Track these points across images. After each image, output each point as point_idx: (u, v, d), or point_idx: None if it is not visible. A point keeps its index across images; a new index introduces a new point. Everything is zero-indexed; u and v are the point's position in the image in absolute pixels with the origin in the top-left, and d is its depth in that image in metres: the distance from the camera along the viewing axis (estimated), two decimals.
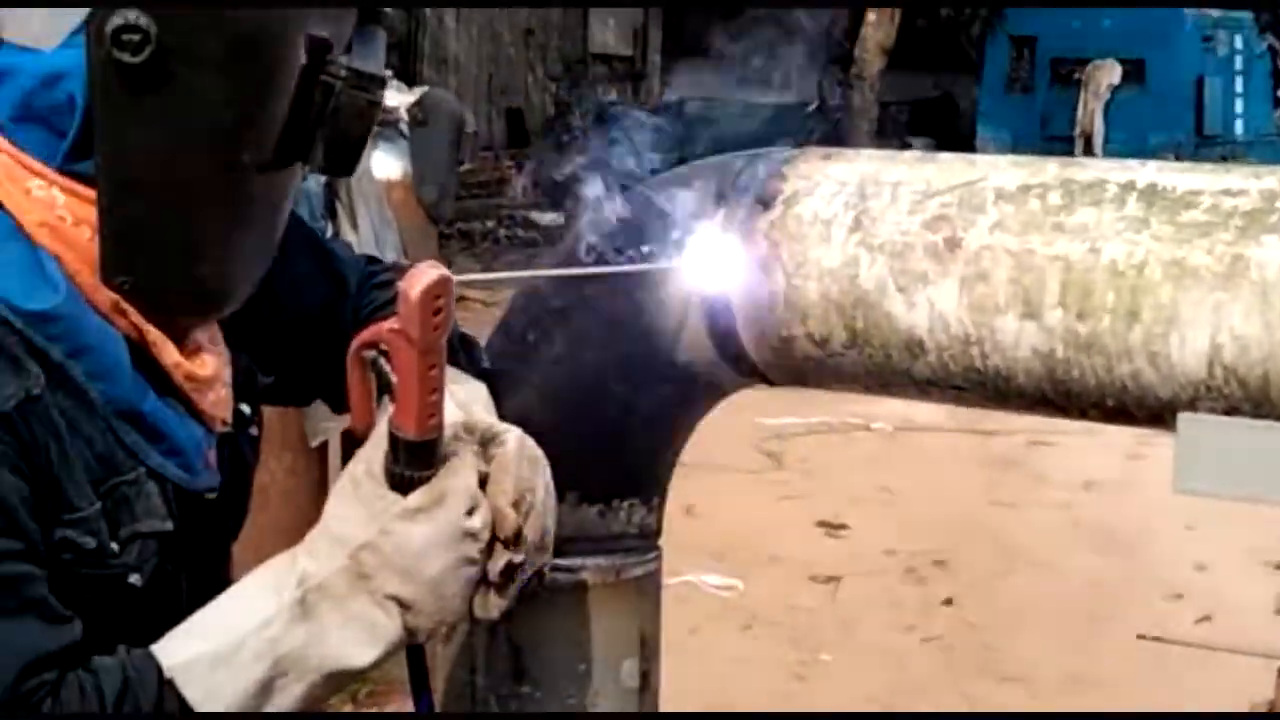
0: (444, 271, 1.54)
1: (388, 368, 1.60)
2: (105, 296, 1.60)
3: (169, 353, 1.65)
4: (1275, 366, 1.54)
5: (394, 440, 1.59)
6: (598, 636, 2.05)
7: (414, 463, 1.59)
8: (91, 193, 1.58)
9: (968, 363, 1.72)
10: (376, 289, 1.92)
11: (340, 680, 1.61)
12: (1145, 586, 7.10)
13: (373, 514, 1.59)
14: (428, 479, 1.59)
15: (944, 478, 8.79)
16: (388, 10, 4.82)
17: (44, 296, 1.57)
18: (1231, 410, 1.58)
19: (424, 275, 1.53)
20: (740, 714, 5.63)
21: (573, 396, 1.95)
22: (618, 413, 1.97)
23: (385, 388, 1.62)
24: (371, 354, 1.62)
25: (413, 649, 1.71)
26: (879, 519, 8.07)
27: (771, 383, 1.92)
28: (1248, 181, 1.62)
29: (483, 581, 1.63)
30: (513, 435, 1.68)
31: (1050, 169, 1.73)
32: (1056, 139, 18.55)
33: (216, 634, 1.58)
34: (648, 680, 2.10)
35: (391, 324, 1.56)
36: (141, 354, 1.63)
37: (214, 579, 1.73)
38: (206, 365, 1.70)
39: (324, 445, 4.81)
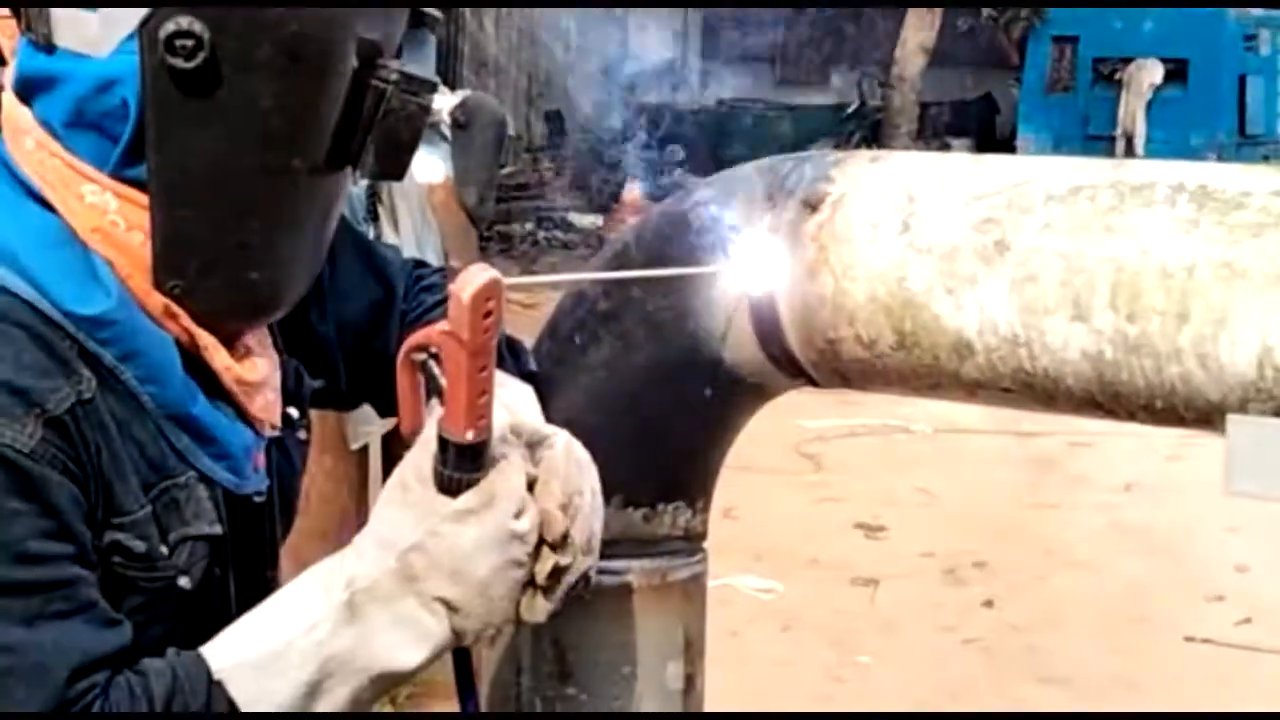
0: (495, 274, 1.54)
1: (437, 370, 1.60)
2: (157, 301, 1.61)
3: (219, 357, 1.66)
4: None
5: (443, 442, 1.59)
6: (642, 639, 2.06)
7: (463, 465, 1.59)
8: (144, 198, 1.59)
9: (1016, 364, 1.71)
10: (424, 292, 1.92)
11: (387, 682, 1.62)
12: (1186, 588, 7.07)
13: (421, 516, 1.59)
14: (476, 481, 1.59)
15: (983, 479, 8.77)
16: (437, 14, 4.82)
17: (97, 301, 1.58)
18: None
19: (475, 278, 1.54)
20: (768, 714, 5.62)
21: (619, 399, 1.96)
22: (664, 415, 1.97)
23: (435, 390, 1.62)
24: (422, 356, 1.63)
25: (459, 651, 1.72)
26: (918, 521, 8.05)
27: (818, 385, 1.92)
28: None
29: (529, 584, 1.63)
30: (560, 438, 1.68)
31: (1100, 170, 1.72)
32: (1097, 138, 18.45)
33: (265, 636, 1.58)
34: (692, 683, 2.10)
35: (442, 326, 1.57)
36: (192, 358, 1.64)
37: (262, 583, 1.73)
38: (256, 369, 1.70)
39: (364, 448, 4.82)
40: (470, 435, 1.57)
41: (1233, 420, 1.59)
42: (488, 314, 1.54)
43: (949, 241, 1.73)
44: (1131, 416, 1.71)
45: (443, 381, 1.59)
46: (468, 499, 1.59)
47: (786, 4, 22.34)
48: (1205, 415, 1.64)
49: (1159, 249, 1.62)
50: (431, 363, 1.62)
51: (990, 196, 1.73)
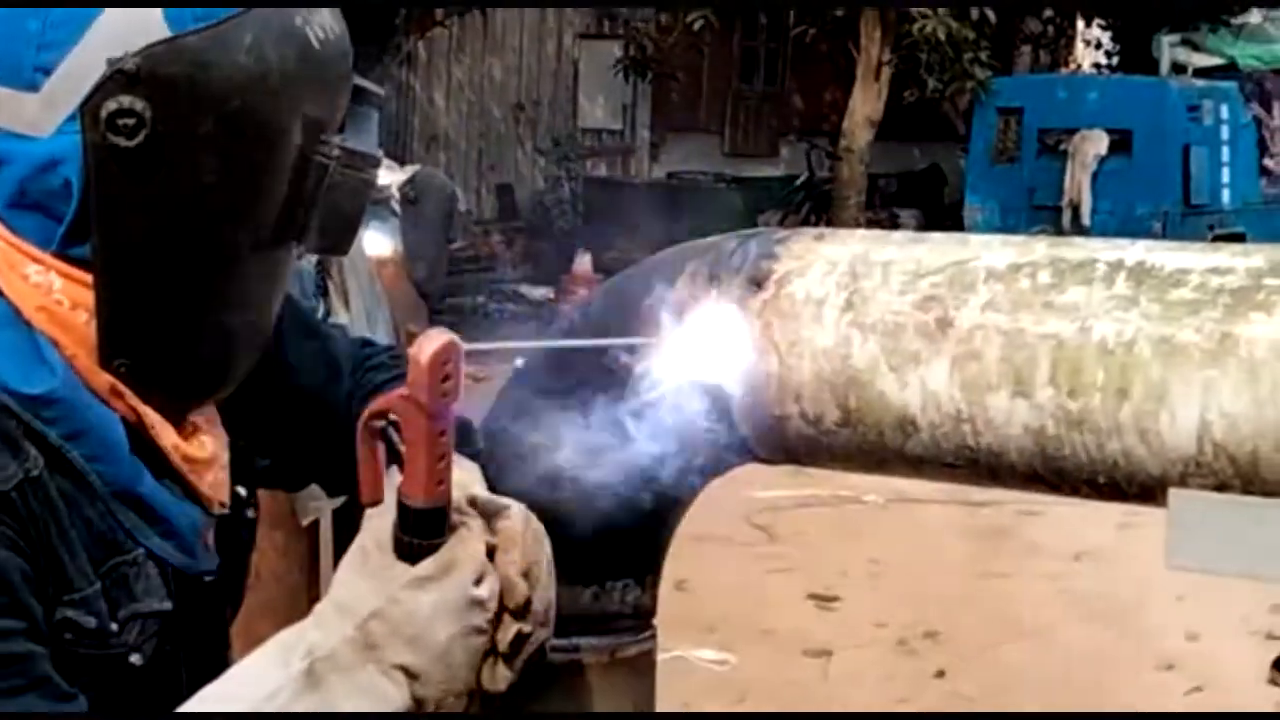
0: (453, 337, 1.55)
1: (396, 438, 1.60)
2: (102, 379, 1.61)
3: (167, 435, 1.66)
4: (1265, 443, 1.55)
5: (402, 509, 1.58)
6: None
7: (422, 531, 1.59)
8: (88, 276, 1.59)
9: (960, 440, 1.73)
10: (371, 371, 1.93)
11: None
12: (1137, 657, 7.10)
13: (380, 584, 1.59)
14: (436, 548, 1.59)
15: (935, 549, 8.80)
16: (379, 90, 4.84)
17: (41, 380, 1.58)
18: (1222, 486, 1.59)
19: (433, 341, 1.54)
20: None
21: (565, 478, 1.96)
22: (611, 494, 1.97)
23: (394, 458, 1.62)
24: (381, 423, 1.62)
25: None
26: (870, 591, 8.07)
27: (766, 461, 1.93)
28: (1235, 260, 1.63)
29: (490, 653, 1.63)
30: (517, 509, 1.68)
31: (1040, 248, 1.74)
32: (1044, 208, 18.60)
33: (224, 706, 1.58)
34: None
35: (400, 391, 1.57)
36: (139, 436, 1.64)
37: (212, 660, 1.73)
38: (204, 447, 1.70)
39: (315, 524, 4.80)
40: (429, 500, 1.57)
41: (1174, 495, 1.61)
42: (446, 377, 1.54)
43: (892, 319, 1.75)
44: (1075, 491, 1.72)
45: (402, 448, 1.59)
46: (427, 565, 1.58)
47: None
48: (1147, 490, 1.65)
49: (1099, 326, 1.63)
50: (391, 430, 1.61)
51: (932, 274, 1.75)
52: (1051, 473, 1.70)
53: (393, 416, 1.60)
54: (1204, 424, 1.58)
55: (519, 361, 2.11)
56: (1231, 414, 1.57)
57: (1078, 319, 1.65)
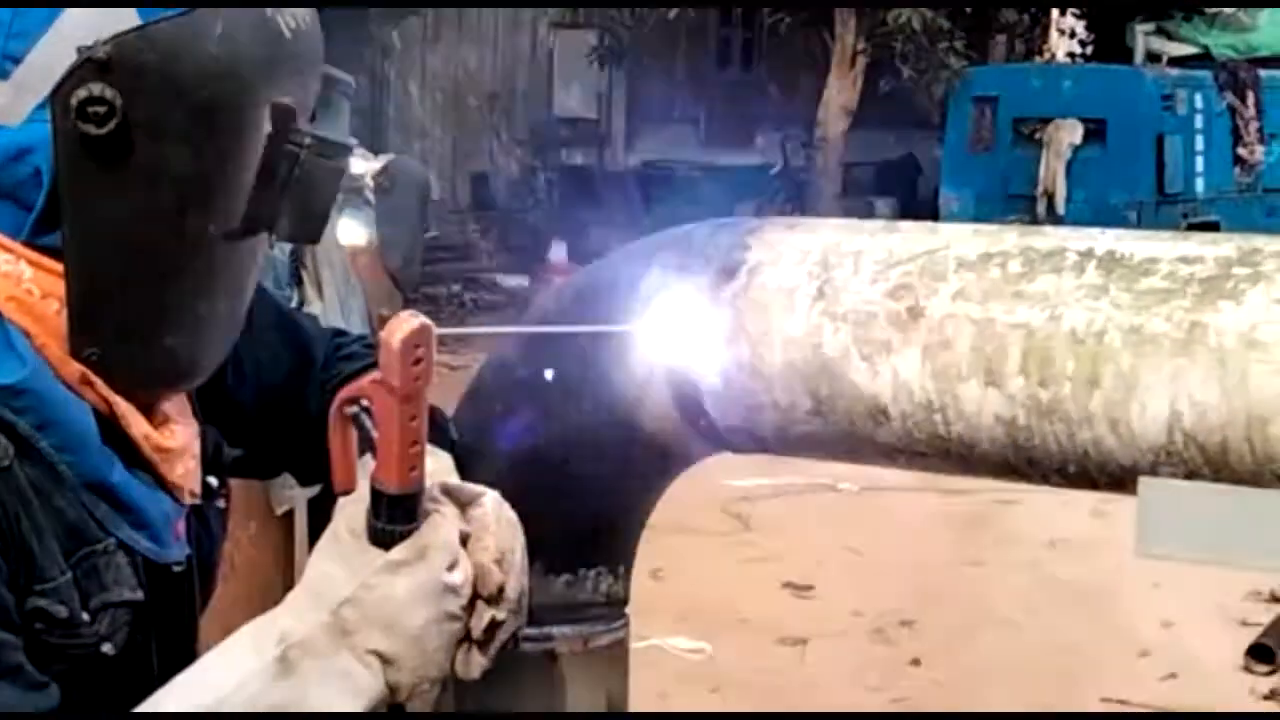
0: (424, 320, 1.55)
1: (369, 423, 1.60)
2: (73, 369, 1.61)
3: (137, 424, 1.65)
4: (1233, 432, 1.56)
5: (375, 494, 1.58)
6: (566, 705, 2.06)
7: (395, 517, 1.58)
8: (58, 266, 1.58)
9: (931, 430, 1.73)
10: (343, 361, 1.93)
11: None
12: (1112, 644, 7.11)
13: (354, 569, 1.59)
14: (409, 534, 1.59)
15: (911, 537, 8.81)
16: (350, 80, 4.83)
17: (11, 370, 1.57)
18: (1191, 475, 1.60)
19: (404, 323, 1.54)
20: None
21: (539, 467, 1.96)
22: (584, 482, 1.98)
23: (367, 445, 1.62)
24: (354, 409, 1.62)
25: (393, 710, 1.71)
26: (846, 580, 8.08)
27: (738, 450, 1.93)
28: (1204, 249, 1.64)
29: (465, 640, 1.63)
30: (490, 497, 1.68)
31: (1010, 237, 1.75)
32: (1019, 197, 18.62)
33: (196, 694, 1.57)
34: None
35: (373, 375, 1.57)
36: (110, 426, 1.64)
37: (183, 651, 1.73)
38: (175, 436, 1.70)
39: (290, 514, 4.79)
40: (402, 486, 1.57)
41: (1144, 483, 1.61)
42: (418, 360, 1.54)
43: (863, 308, 1.75)
44: (1046, 480, 1.73)
45: (374, 434, 1.58)
46: (400, 551, 1.58)
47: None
48: (1118, 479, 1.66)
49: (1069, 315, 1.64)
50: (363, 415, 1.61)
51: (903, 264, 1.76)
52: (1023, 462, 1.71)
53: (365, 402, 1.59)
54: (1174, 413, 1.59)
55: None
56: (1201, 403, 1.57)
57: (1048, 308, 1.65)
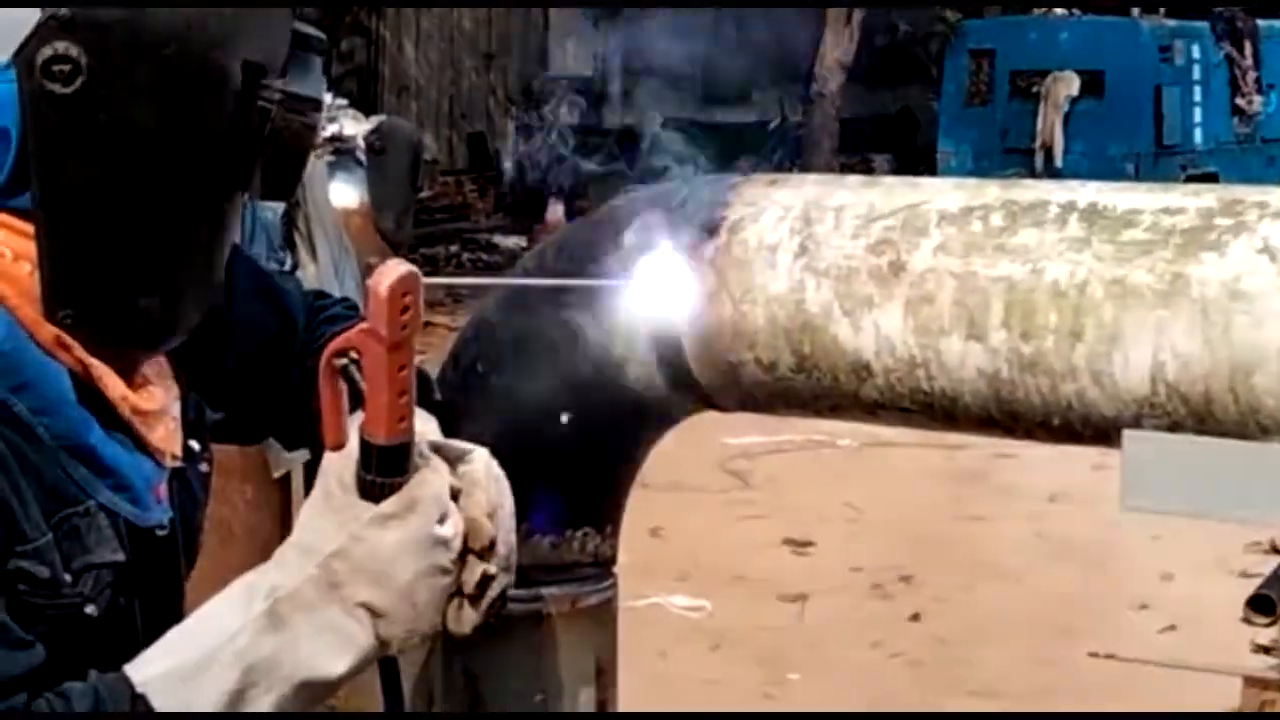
0: (412, 268, 1.53)
1: (358, 376, 1.58)
2: (48, 332, 1.60)
3: (114, 386, 1.64)
4: (1217, 383, 1.55)
5: (365, 446, 1.57)
6: (554, 666, 2.05)
7: (385, 469, 1.57)
8: (30, 227, 1.57)
9: (914, 385, 1.73)
10: (325, 323, 1.91)
11: (314, 691, 1.59)
12: (1112, 597, 7.12)
13: (343, 522, 1.58)
14: (399, 486, 1.58)
15: (909, 493, 8.82)
16: (321, 35, 4.81)
17: None
18: (1175, 427, 1.59)
19: (392, 271, 1.52)
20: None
21: (524, 427, 1.96)
22: (569, 442, 1.97)
23: (357, 401, 1.60)
24: (343, 361, 1.60)
25: (385, 663, 1.70)
26: (845, 536, 8.09)
27: (721, 408, 1.93)
28: (1186, 200, 1.63)
29: (456, 594, 1.62)
30: (479, 453, 1.67)
31: (992, 191, 1.74)
32: (1016, 151, 18.59)
33: (187, 648, 1.57)
34: (604, 709, 2.10)
35: (361, 325, 1.55)
36: (87, 389, 1.63)
37: (167, 613, 1.72)
38: (154, 398, 1.69)
39: (287, 477, 4.79)
40: (391, 437, 1.56)
41: (1128, 436, 1.61)
42: (405, 309, 1.52)
43: (845, 264, 1.75)
44: (1029, 434, 1.72)
45: (364, 386, 1.57)
46: (390, 503, 1.57)
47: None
48: (1101, 431, 1.66)
49: (1051, 268, 1.63)
50: (352, 368, 1.60)
51: (885, 218, 1.75)
52: (1006, 416, 1.70)
53: (353, 355, 1.58)
54: (1157, 364, 1.58)
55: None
56: (1184, 354, 1.57)
57: (1030, 261, 1.65)
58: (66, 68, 1.51)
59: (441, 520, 1.59)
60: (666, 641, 6.34)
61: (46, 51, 1.51)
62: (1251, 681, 4.92)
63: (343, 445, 1.62)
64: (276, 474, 4.73)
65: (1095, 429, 1.65)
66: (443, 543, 1.59)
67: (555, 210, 18.41)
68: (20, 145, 1.55)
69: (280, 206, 4.56)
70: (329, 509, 1.60)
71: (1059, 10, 20.29)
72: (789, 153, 21.31)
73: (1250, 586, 7.05)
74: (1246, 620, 6.79)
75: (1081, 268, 1.62)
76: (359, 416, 1.60)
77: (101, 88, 1.52)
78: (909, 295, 1.70)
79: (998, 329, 1.65)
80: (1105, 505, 7.32)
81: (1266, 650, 5.66)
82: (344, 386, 1.61)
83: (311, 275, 4.68)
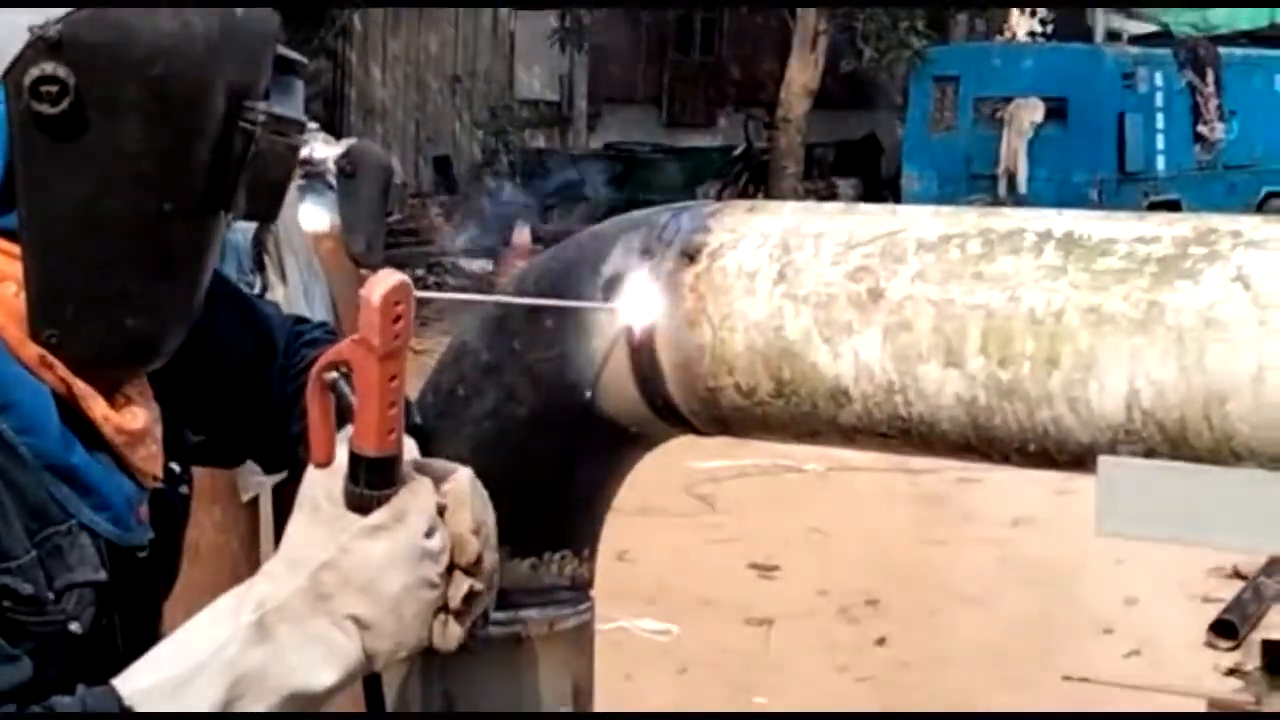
0: (404, 277, 1.54)
1: (348, 390, 1.59)
2: (32, 351, 1.61)
3: (98, 406, 1.65)
4: (1191, 410, 1.57)
5: (354, 459, 1.57)
6: (532, 688, 2.06)
7: (374, 481, 1.58)
8: (15, 247, 1.58)
9: (892, 410, 1.74)
10: (305, 347, 1.92)
11: (302, 703, 1.59)
12: (1076, 621, 7.15)
13: (331, 534, 1.58)
14: (388, 499, 1.58)
15: (875, 517, 8.84)
16: (303, 59, 4.82)
17: None
18: (1150, 453, 1.61)
19: (384, 280, 1.53)
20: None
21: (503, 450, 1.97)
22: (548, 466, 1.98)
23: (345, 416, 1.61)
24: (332, 375, 1.60)
25: (369, 679, 1.71)
26: (811, 560, 8.10)
27: (700, 432, 1.94)
28: (1161, 229, 1.65)
29: (442, 610, 1.63)
30: (464, 472, 1.68)
31: (969, 219, 1.75)
32: (981, 177, 18.67)
33: (175, 660, 1.57)
34: None
35: (352, 336, 1.56)
36: (70, 409, 1.64)
37: (145, 635, 1.72)
38: (137, 419, 1.70)
39: (255, 500, 4.79)
40: (381, 449, 1.56)
41: (1103, 462, 1.63)
42: (397, 318, 1.53)
43: (824, 290, 1.76)
44: (1006, 460, 1.74)
45: (353, 400, 1.58)
46: (379, 515, 1.58)
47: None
48: (1077, 457, 1.67)
49: (1028, 295, 1.65)
50: (342, 382, 1.60)
51: (863, 245, 1.76)
52: (983, 442, 1.72)
53: (343, 369, 1.58)
54: (1132, 392, 1.60)
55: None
56: (1159, 382, 1.59)
57: (1007, 289, 1.67)
58: (54, 88, 1.53)
59: (429, 533, 1.60)
60: (633, 665, 6.35)
61: (34, 72, 1.52)
62: (1217, 704, 4.95)
63: (330, 461, 1.62)
64: (245, 497, 4.72)
65: (1071, 455, 1.67)
66: (430, 555, 1.59)
67: (521, 233, 18.42)
68: (6, 166, 1.56)
69: (250, 228, 4.55)
70: (317, 521, 1.60)
71: (1022, 36, 20.40)
72: (754, 178, 21.36)
73: (1213, 611, 7.11)
74: (1210, 644, 6.85)
75: (1058, 295, 1.63)
76: (345, 432, 1.60)
77: (89, 109, 1.54)
78: (887, 322, 1.72)
79: (975, 356, 1.67)
80: (1069, 530, 7.37)
81: (1232, 673, 5.70)
82: (333, 402, 1.61)
83: (281, 298, 4.68)
